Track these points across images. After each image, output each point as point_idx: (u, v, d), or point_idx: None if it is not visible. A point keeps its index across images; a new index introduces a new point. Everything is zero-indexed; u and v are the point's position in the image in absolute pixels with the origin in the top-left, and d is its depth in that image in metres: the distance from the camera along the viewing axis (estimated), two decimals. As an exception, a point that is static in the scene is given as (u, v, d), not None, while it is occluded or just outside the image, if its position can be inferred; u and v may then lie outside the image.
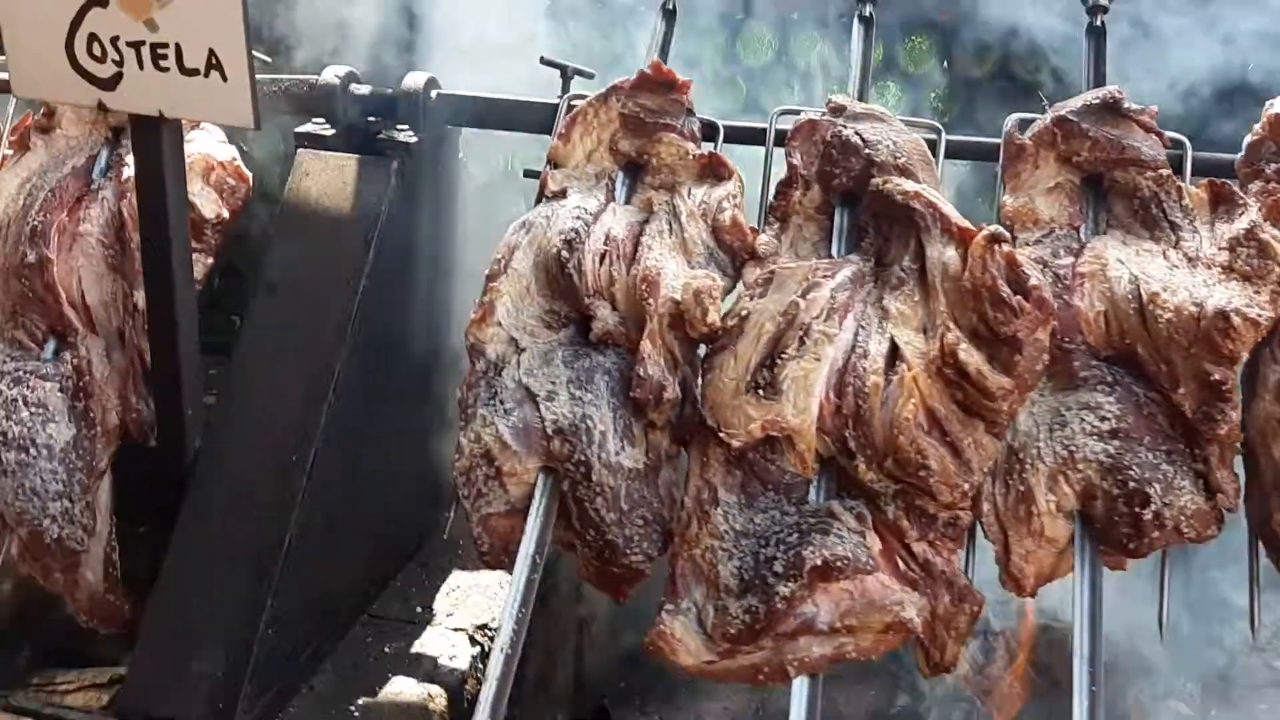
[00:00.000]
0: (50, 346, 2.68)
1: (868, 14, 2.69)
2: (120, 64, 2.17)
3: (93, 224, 2.74)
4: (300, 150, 2.75)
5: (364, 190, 2.67)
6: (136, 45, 2.14)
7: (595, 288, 2.43)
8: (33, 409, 2.52)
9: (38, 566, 2.50)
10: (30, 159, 2.83)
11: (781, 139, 2.63)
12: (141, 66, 2.15)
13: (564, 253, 2.43)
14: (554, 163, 2.64)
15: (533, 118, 2.79)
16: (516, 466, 2.34)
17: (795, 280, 2.38)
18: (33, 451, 2.48)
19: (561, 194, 2.59)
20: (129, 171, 2.78)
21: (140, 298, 2.66)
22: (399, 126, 2.75)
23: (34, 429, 2.50)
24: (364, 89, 2.83)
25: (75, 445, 2.54)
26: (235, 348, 2.58)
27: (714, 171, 2.59)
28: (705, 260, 2.48)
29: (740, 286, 2.47)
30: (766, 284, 2.39)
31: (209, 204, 2.72)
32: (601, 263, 2.44)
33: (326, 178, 2.70)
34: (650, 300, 2.36)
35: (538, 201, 2.64)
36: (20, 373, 2.57)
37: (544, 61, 2.75)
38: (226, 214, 2.75)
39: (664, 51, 2.74)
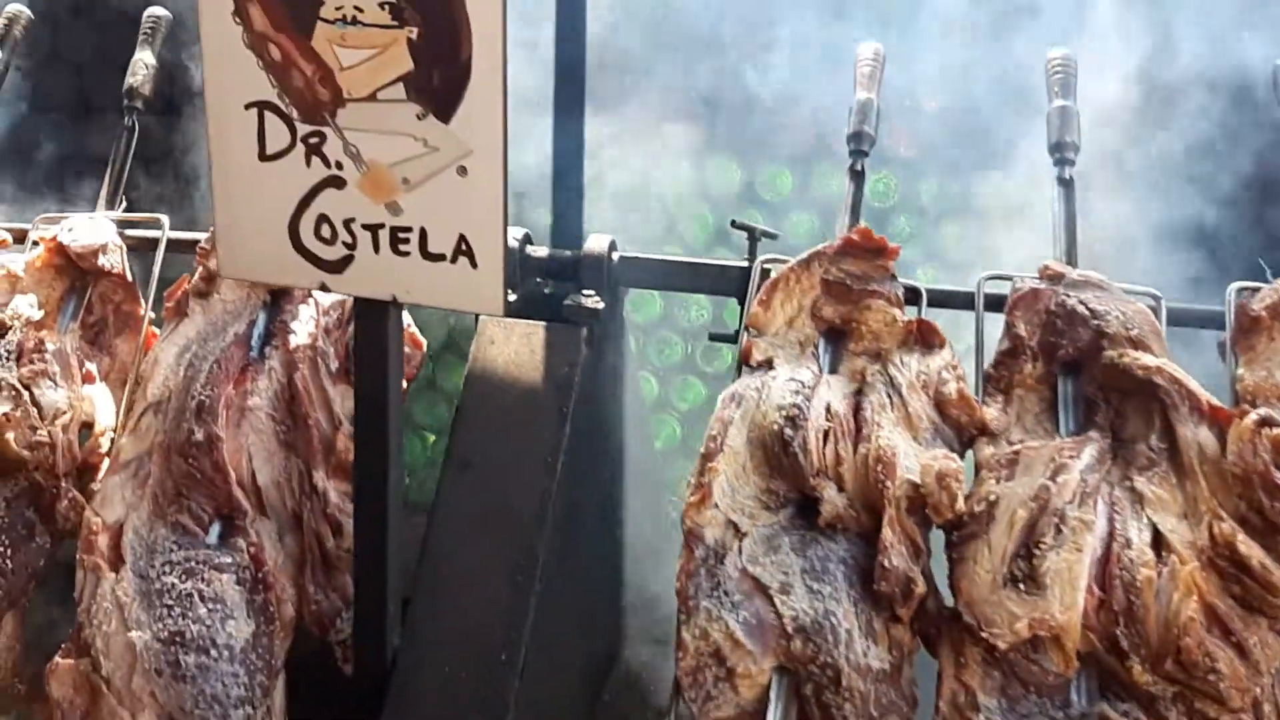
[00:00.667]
0: (215, 530, 2.49)
1: (1068, 176, 2.64)
2: (352, 247, 2.04)
3: (261, 397, 2.58)
4: (484, 317, 2.63)
5: (554, 359, 2.54)
6: (374, 228, 2.01)
7: (820, 467, 2.30)
8: (210, 604, 2.32)
9: (213, 780, 2.28)
10: (188, 326, 2.68)
11: (989, 304, 2.56)
12: (377, 250, 2.02)
13: (787, 430, 2.30)
14: (754, 329, 2.54)
15: (720, 281, 2.69)
16: (750, 667, 2.18)
17: (1042, 461, 2.26)
18: (213, 653, 2.28)
19: (767, 363, 2.48)
20: (296, 339, 2.64)
21: (320, 478, 2.49)
22: (584, 292, 2.63)
23: (213, 627, 2.30)
24: (541, 251, 2.72)
25: (255, 643, 2.34)
26: (430, 530, 2.40)
27: (923, 339, 2.49)
28: (931, 436, 2.37)
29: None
30: (1011, 465, 2.27)
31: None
32: (826, 441, 2.32)
33: (513, 346, 2.56)
34: (887, 483, 2.23)
35: (739, 370, 2.53)
36: (192, 563, 2.38)
37: (734, 225, 2.66)
38: (404, 383, 2.60)
39: (855, 214, 2.66)
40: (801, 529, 2.29)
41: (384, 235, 2.02)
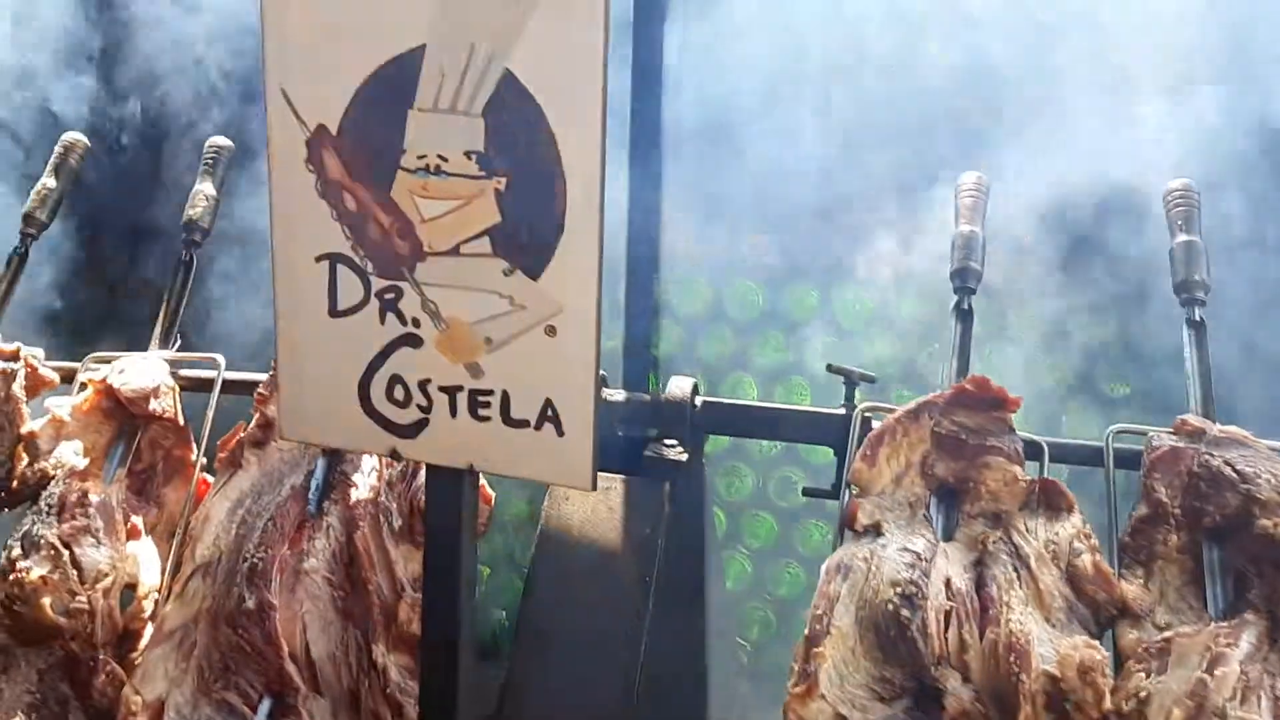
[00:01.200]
0: (264, 708, 2.26)
1: (1198, 318, 2.42)
2: (427, 410, 1.85)
3: (318, 559, 2.37)
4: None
5: (634, 519, 2.33)
6: (451, 391, 1.82)
7: (942, 654, 2.05)
8: (258, 799, 2.10)
9: None
10: (242, 478, 2.49)
11: (1120, 461, 2.32)
12: (454, 414, 1.83)
13: (904, 611, 2.06)
14: (858, 487, 2.31)
15: (815, 430, 2.47)
16: None
17: (1196, 651, 2.00)
18: None
19: (875, 528, 2.24)
20: (357, 493, 2.44)
21: (380, 652, 2.27)
22: (666, 441, 2.42)
23: (262, 827, 2.07)
24: (618, 395, 2.52)
25: (308, 845, 2.10)
26: (504, 704, 2.16)
27: (1048, 500, 2.25)
28: (1066, 616, 2.11)
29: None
30: (1161, 655, 2.01)
31: (455, 536, 2.37)
32: (947, 623, 2.07)
33: (590, 502, 2.35)
34: (1022, 675, 1.98)
35: (840, 533, 2.30)
36: (239, 749, 2.15)
37: (831, 369, 2.46)
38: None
39: (964, 357, 2.45)
40: (918, 724, 2.03)
41: (462, 398, 1.82)
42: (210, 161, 3.03)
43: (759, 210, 3.65)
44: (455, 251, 1.77)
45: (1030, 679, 1.97)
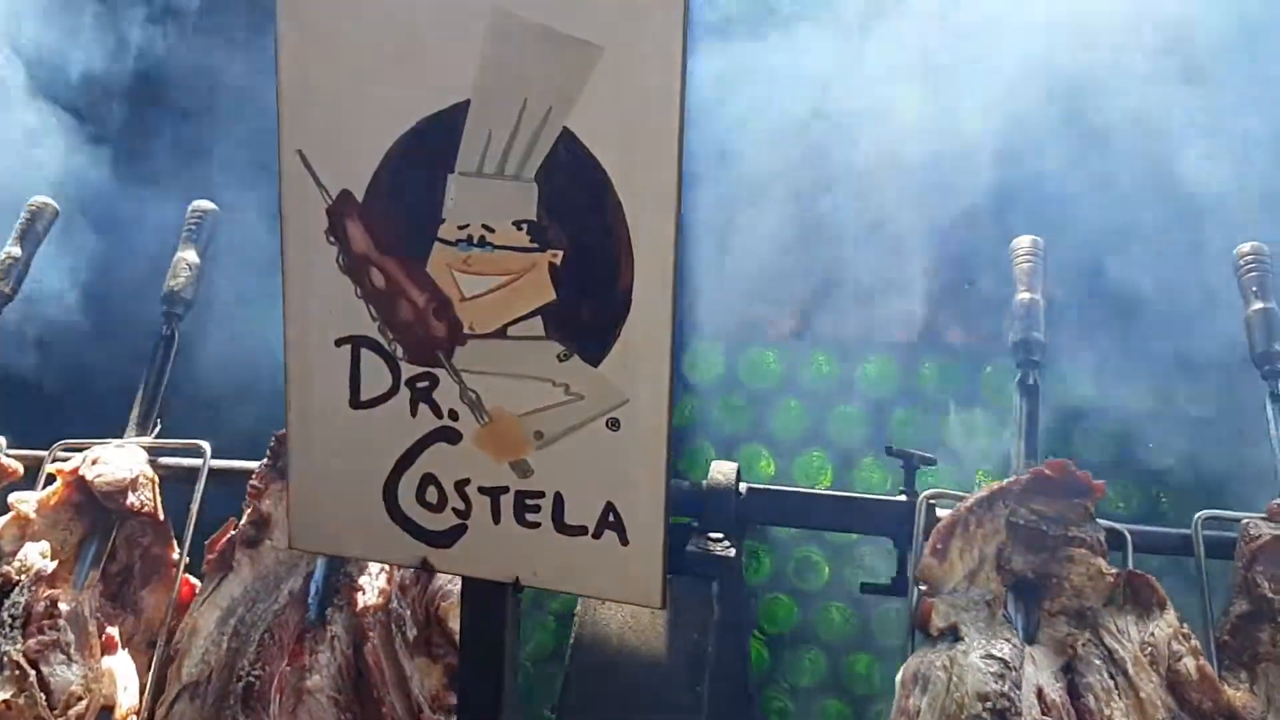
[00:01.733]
0: None
1: (1281, 392, 2.24)
2: (465, 515, 1.61)
3: (322, 675, 2.10)
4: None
5: (681, 623, 2.09)
6: (494, 493, 1.59)
7: (1040, 775, 1.82)
8: None
9: None
10: (233, 583, 2.22)
11: (1211, 550, 2.12)
12: (497, 520, 1.59)
13: (997, 729, 1.83)
14: (927, 584, 2.09)
15: (873, 520, 2.26)
16: None
17: (1325, 768, 1.79)
18: None
19: (952, 630, 2.02)
20: (365, 598, 2.18)
21: (397, 784, 2.00)
22: (711, 535, 2.19)
23: None
24: (654, 483, 2.28)
25: None
26: None
27: (1136, 596, 2.05)
28: (1171, 729, 1.90)
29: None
30: (1287, 774, 1.80)
31: (479, 646, 2.12)
32: (1046, 740, 1.85)
33: (629, 607, 2.11)
34: (1137, 801, 1.75)
35: (911, 634, 2.07)
36: None
37: (890, 452, 2.24)
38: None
39: (1031, 437, 2.25)
40: None
41: (507, 502, 1.59)
42: (193, 227, 2.79)
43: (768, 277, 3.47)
44: (501, 334, 1.55)
45: (1147, 806, 1.74)
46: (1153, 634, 1.98)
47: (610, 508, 1.55)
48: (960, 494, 2.15)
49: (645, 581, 1.54)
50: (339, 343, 1.63)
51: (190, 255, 2.75)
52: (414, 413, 1.61)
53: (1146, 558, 2.15)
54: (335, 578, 2.23)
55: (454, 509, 1.62)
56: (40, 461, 2.53)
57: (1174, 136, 2.77)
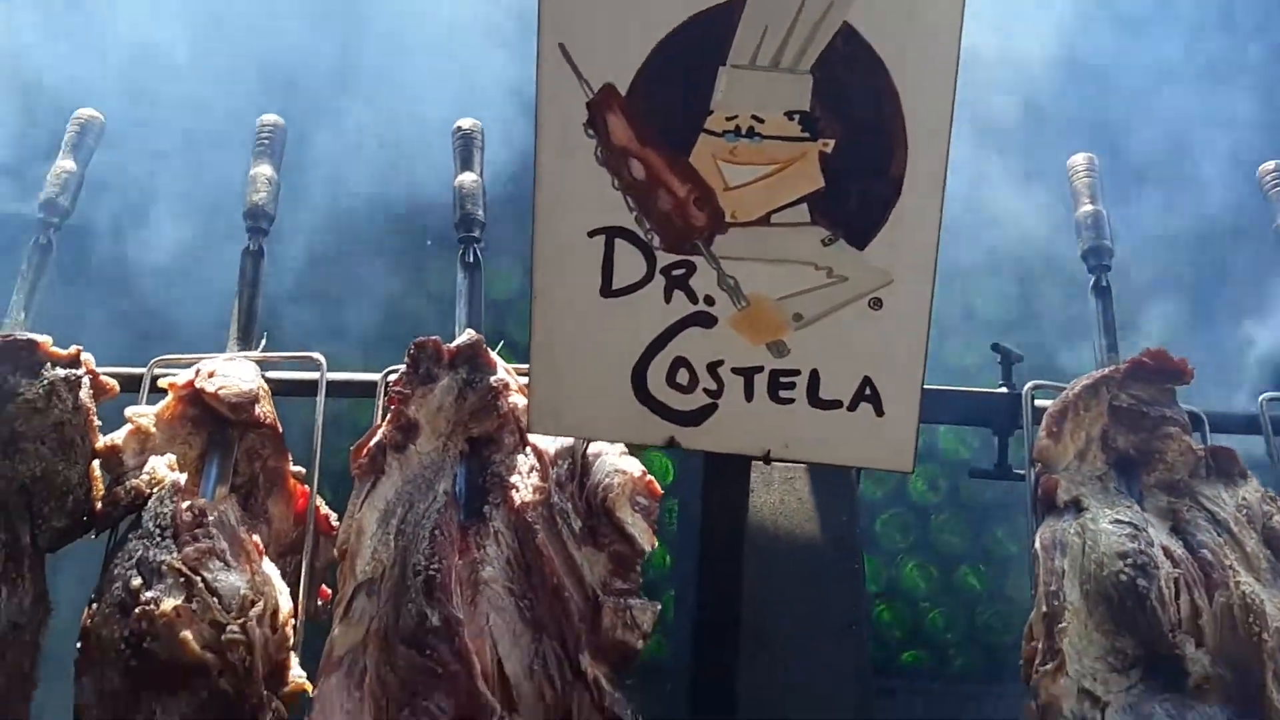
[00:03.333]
0: (456, 736, 2.05)
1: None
2: (716, 394, 1.70)
3: (494, 567, 2.17)
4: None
5: (828, 507, 2.24)
6: (748, 372, 1.69)
7: (1174, 622, 2.07)
8: (490, 835, 1.88)
9: None
10: (385, 486, 2.24)
11: (1277, 427, 2.40)
12: (750, 397, 1.70)
13: (1140, 581, 2.06)
14: (1044, 464, 2.30)
15: (977, 410, 2.45)
16: None
17: None
18: None
19: (1075, 503, 2.24)
20: (520, 495, 2.24)
21: (587, 662, 2.09)
22: (841, 426, 2.34)
23: None
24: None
25: None
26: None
27: (1220, 468, 2.32)
28: (1272, 576, 2.18)
29: None
30: (1380, 607, 2.09)
31: (644, 534, 2.20)
32: (1178, 591, 2.09)
33: (775, 494, 2.25)
34: (1264, 636, 2.02)
35: (1034, 510, 2.28)
36: (452, 783, 1.93)
37: (996, 349, 2.44)
38: (655, 544, 2.24)
39: (1110, 333, 2.48)
40: (1167, 697, 2.03)
41: (761, 380, 1.70)
42: (266, 141, 2.74)
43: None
44: (764, 221, 1.65)
45: (1271, 637, 2.01)
46: (1244, 498, 2.25)
47: (868, 382, 1.68)
48: (1059, 384, 2.37)
49: (899, 447, 1.68)
50: (592, 234, 1.69)
51: (266, 170, 2.69)
52: (668, 299, 1.70)
53: (1217, 437, 2.42)
54: (483, 478, 2.29)
55: (705, 389, 1.72)
56: (135, 379, 2.47)
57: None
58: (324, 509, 2.45)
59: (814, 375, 1.69)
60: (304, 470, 2.46)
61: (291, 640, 2.17)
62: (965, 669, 3.38)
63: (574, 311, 1.72)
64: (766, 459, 1.74)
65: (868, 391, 1.68)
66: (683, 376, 1.72)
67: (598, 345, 1.72)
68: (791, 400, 1.70)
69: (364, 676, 2.08)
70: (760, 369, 1.70)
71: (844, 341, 1.66)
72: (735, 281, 1.68)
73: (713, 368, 1.71)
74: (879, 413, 1.68)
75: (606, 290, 1.70)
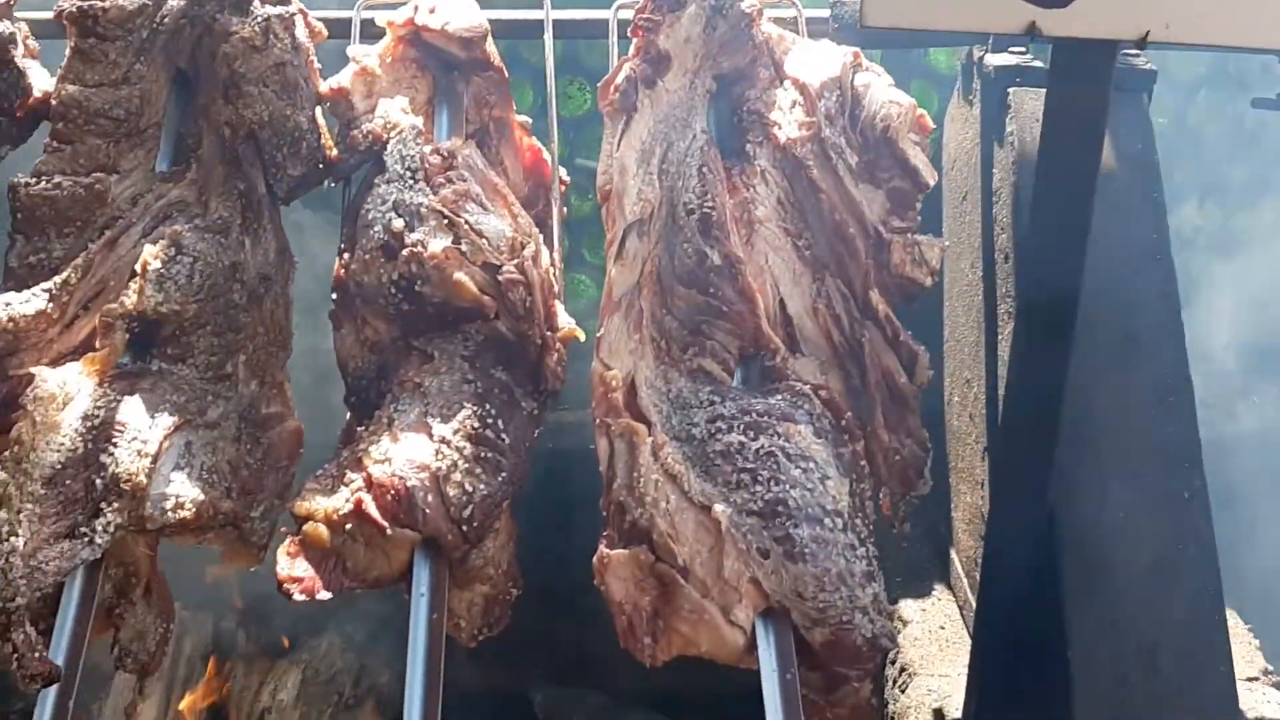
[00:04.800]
0: (737, 376, 1.98)
1: None
2: (1090, -32, 1.50)
3: (766, 206, 2.03)
4: (1015, 89, 2.12)
5: (1123, 134, 2.07)
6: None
7: None
8: (800, 465, 1.83)
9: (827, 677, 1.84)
10: (638, 125, 2.08)
11: None
12: (1134, -27, 1.49)
13: None
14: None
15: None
16: None
17: None
18: (826, 522, 1.80)
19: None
20: (784, 132, 2.08)
21: (876, 299, 1.98)
22: (1127, 50, 2.13)
23: (816, 490, 1.81)
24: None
25: (857, 507, 1.87)
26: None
27: None
28: None
29: None
30: None
31: (926, 167, 2.05)
32: None
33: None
34: None
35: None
36: (751, 416, 1.86)
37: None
38: (935, 178, 2.09)
39: None
40: None
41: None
42: None
43: None
44: None
45: None
46: None
47: None
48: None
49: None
50: None
51: None
52: None
53: None
54: (737, 117, 2.13)
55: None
56: (345, 23, 2.28)
57: None
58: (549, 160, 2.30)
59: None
60: (530, 120, 2.31)
61: (555, 286, 2.08)
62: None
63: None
64: (1141, 43, 1.55)
65: None
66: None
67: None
68: None
69: (640, 318, 1.99)
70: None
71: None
72: None
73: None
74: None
75: None
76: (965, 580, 2.42)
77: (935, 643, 2.37)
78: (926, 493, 2.00)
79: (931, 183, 2.05)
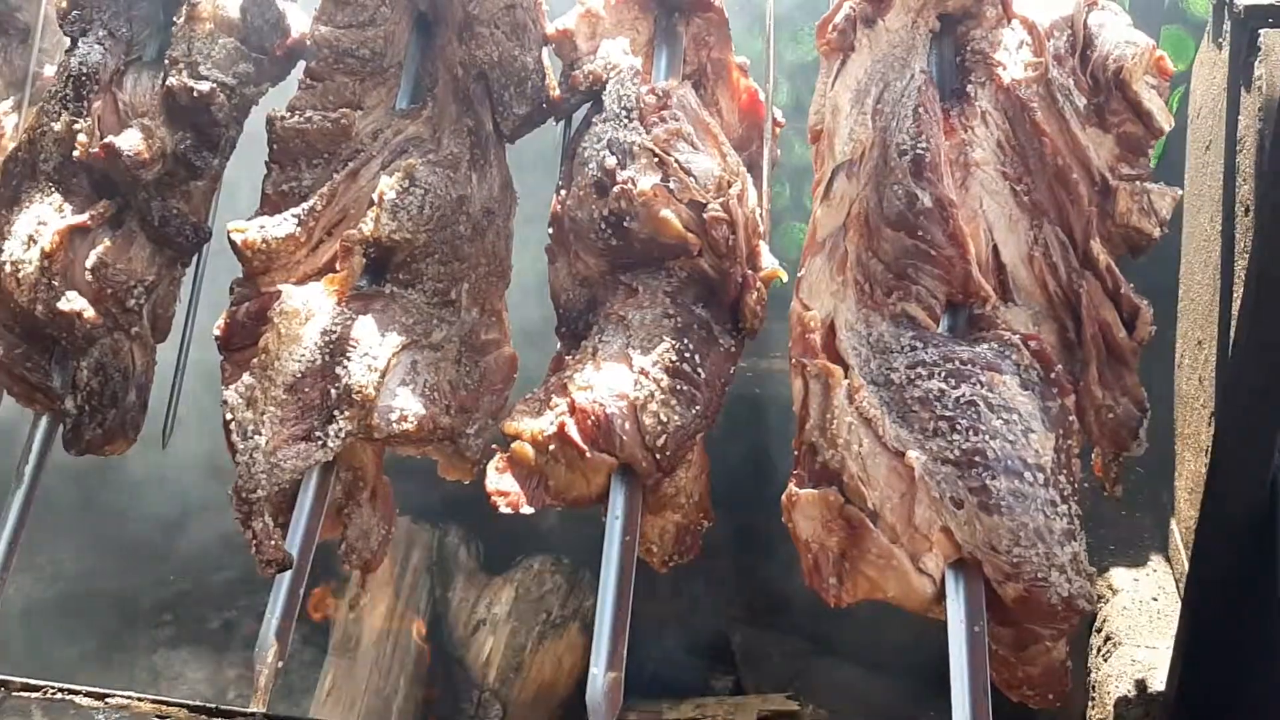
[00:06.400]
0: (944, 323, 1.94)
1: None
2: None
3: (984, 149, 1.98)
4: (1266, 31, 1.96)
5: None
6: None
7: None
8: (1002, 415, 1.79)
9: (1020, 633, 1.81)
10: (855, 65, 2.06)
11: None
12: None
13: None
14: None
15: None
16: None
17: None
18: (1027, 476, 1.77)
19: None
20: (1008, 73, 2.01)
21: (1098, 249, 1.90)
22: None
23: (1018, 443, 1.78)
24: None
25: (1062, 463, 1.82)
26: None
27: None
28: None
29: None
30: None
31: (1161, 112, 1.94)
32: None
33: None
34: None
35: None
36: (954, 363, 1.84)
37: None
38: (1172, 124, 1.97)
39: None
40: None
41: None
42: None
43: None
44: None
45: None
46: None
47: None
48: None
49: None
50: None
51: None
52: None
53: None
54: (960, 56, 2.06)
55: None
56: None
57: None
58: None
59: None
60: (748, 61, 2.32)
61: (761, 227, 2.10)
62: None
63: None
64: None
65: None
66: None
67: None
68: None
69: (844, 261, 1.98)
70: None
71: None
72: None
73: None
74: None
75: None
76: (1184, 552, 2.29)
77: (1145, 614, 2.26)
78: (1140, 454, 1.90)
79: (1167, 128, 1.93)
